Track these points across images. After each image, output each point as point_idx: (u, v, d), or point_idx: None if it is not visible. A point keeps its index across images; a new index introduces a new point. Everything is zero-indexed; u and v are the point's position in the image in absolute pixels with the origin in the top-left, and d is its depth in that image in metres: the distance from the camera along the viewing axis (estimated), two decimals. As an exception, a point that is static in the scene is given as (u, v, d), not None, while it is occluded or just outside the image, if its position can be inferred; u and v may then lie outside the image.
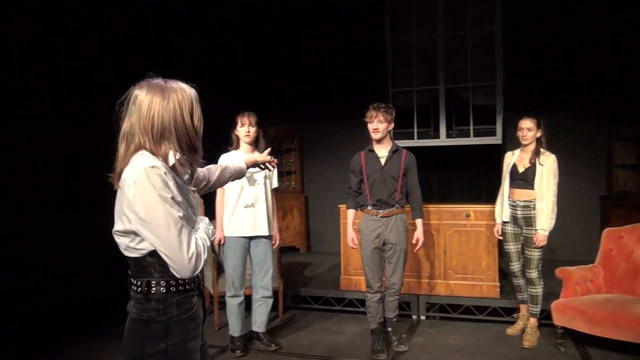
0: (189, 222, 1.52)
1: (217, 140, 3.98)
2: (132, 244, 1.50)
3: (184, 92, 1.54)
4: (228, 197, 3.76)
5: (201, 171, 1.92)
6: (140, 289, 1.52)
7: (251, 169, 3.72)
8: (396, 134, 6.70)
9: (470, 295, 4.51)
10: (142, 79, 1.55)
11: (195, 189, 1.60)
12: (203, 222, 1.60)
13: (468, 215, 4.52)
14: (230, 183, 3.65)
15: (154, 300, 1.51)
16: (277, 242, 3.91)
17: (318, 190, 7.11)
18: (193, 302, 1.57)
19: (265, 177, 3.78)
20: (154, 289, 1.51)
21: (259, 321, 3.88)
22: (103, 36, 5.05)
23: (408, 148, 3.86)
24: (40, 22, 4.61)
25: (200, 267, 1.51)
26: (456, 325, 4.41)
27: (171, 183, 1.47)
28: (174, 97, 1.51)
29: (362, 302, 4.53)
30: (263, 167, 2.40)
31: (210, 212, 3.93)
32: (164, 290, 1.51)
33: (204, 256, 1.51)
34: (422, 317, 4.61)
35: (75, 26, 4.84)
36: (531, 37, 5.89)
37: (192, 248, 1.47)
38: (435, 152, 6.30)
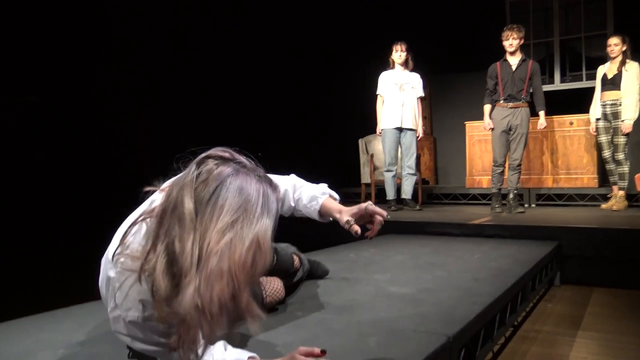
0: None
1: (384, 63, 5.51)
2: None
3: None
4: (385, 100, 5.34)
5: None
6: None
7: (401, 80, 5.23)
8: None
9: (573, 186, 5.72)
10: None
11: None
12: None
13: (571, 123, 5.73)
14: (388, 90, 5.20)
15: None
16: (421, 134, 5.41)
17: (445, 133, 8.52)
18: None
19: (412, 87, 5.33)
20: None
21: (407, 191, 5.41)
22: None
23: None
24: None
25: None
26: (562, 208, 5.63)
27: None
28: None
29: (484, 196, 5.94)
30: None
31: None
32: None
33: None
34: (533, 205, 5.89)
35: None
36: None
37: None
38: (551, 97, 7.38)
